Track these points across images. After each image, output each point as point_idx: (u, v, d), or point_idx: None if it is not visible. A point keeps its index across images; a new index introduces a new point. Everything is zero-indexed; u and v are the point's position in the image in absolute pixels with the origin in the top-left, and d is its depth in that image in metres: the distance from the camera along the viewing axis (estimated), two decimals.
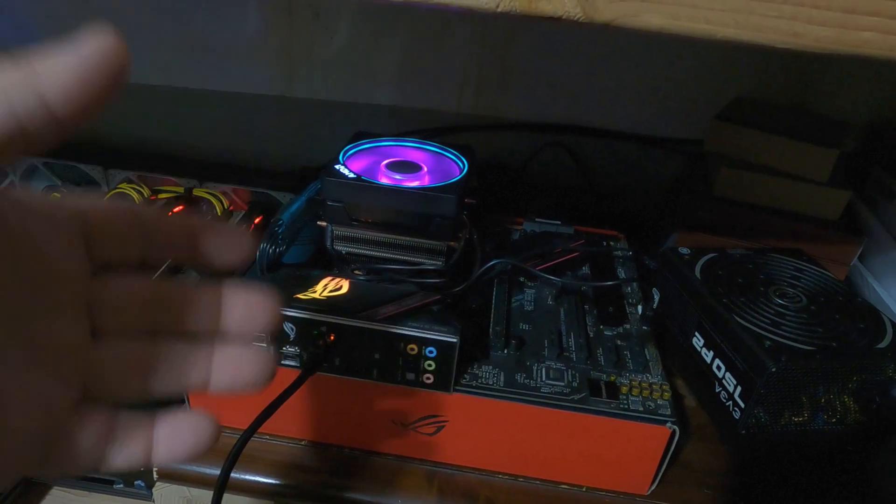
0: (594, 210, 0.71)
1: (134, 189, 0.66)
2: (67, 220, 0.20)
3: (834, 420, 0.43)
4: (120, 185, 0.67)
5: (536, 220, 0.57)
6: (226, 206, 0.66)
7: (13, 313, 0.18)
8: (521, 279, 0.51)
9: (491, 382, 0.40)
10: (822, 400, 0.42)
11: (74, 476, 0.51)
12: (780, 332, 0.42)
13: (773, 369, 0.39)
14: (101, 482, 0.54)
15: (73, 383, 0.20)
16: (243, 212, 0.67)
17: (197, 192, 0.67)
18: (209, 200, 0.66)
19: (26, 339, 0.18)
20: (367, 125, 0.51)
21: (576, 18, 0.23)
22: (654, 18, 0.22)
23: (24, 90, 0.16)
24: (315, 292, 0.40)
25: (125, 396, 0.21)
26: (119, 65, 0.17)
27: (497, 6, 0.23)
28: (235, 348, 0.22)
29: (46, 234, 0.19)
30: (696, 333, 0.47)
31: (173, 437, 0.21)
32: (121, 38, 0.17)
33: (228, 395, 0.22)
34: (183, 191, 0.67)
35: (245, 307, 0.22)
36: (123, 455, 0.20)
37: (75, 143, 0.77)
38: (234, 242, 0.23)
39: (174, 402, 0.26)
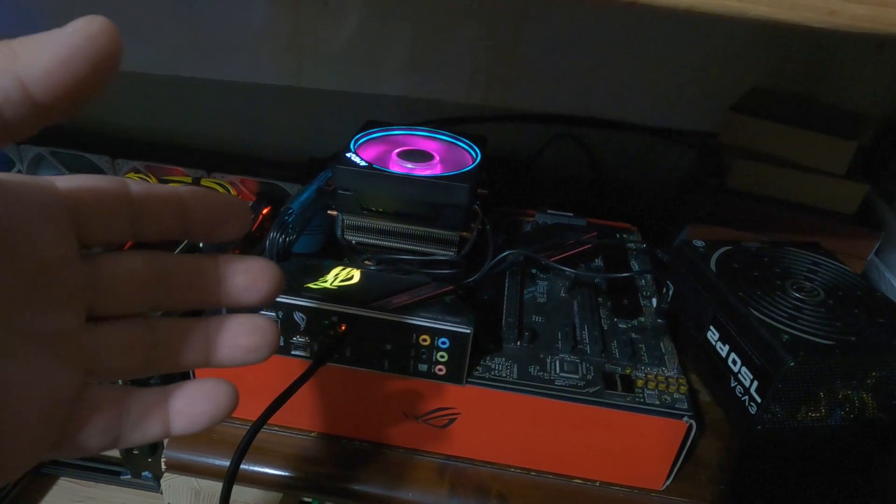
0: (605, 202, 0.70)
1: (141, 179, 0.66)
2: (55, 203, 0.19)
3: (852, 416, 0.42)
4: (127, 175, 0.67)
5: (548, 211, 0.57)
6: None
7: (9, 304, 0.17)
8: (534, 271, 0.50)
9: (504, 375, 0.39)
10: (840, 396, 0.41)
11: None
12: (798, 325, 0.41)
13: (792, 363, 0.38)
14: (107, 473, 0.53)
15: (75, 367, 0.19)
16: (251, 202, 0.66)
17: (205, 183, 0.66)
18: (217, 191, 0.65)
19: (24, 329, 0.18)
20: (376, 116, 0.51)
21: None
22: None
23: (1, 73, 0.15)
24: (326, 282, 0.39)
25: (127, 376, 0.21)
26: (108, 49, 0.16)
27: None
28: (236, 319, 0.22)
29: (35, 221, 0.18)
30: (711, 327, 0.46)
31: (189, 406, 0.21)
32: (111, 23, 0.16)
33: (233, 367, 0.22)
34: (191, 181, 0.67)
35: (245, 277, 0.22)
36: (139, 430, 0.20)
37: (83, 133, 0.77)
38: (230, 213, 0.22)
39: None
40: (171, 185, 0.21)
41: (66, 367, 0.19)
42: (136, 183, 0.21)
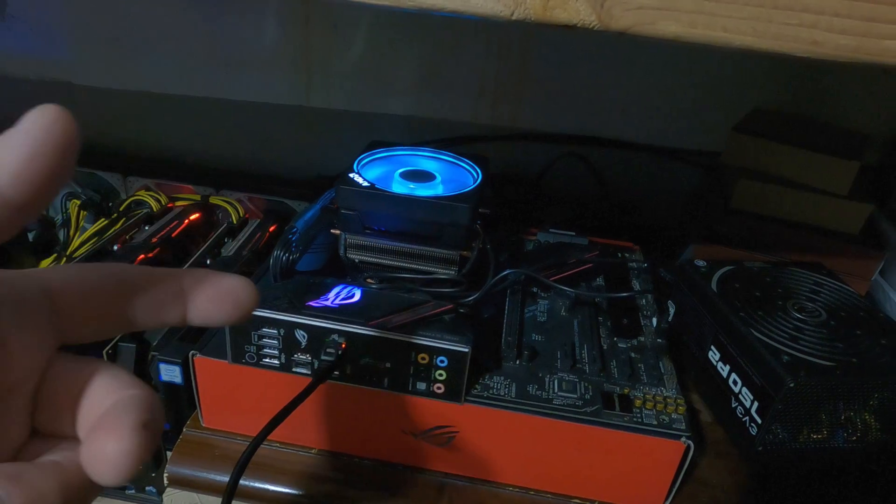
0: (609, 221, 0.71)
1: (151, 197, 0.67)
2: (34, 304, 0.17)
3: (855, 438, 0.42)
4: (138, 193, 0.68)
5: (550, 230, 0.57)
6: (241, 214, 0.67)
7: None
8: (535, 290, 0.50)
9: (503, 393, 0.40)
10: (843, 417, 0.41)
11: None
12: (799, 346, 0.41)
13: (792, 385, 0.38)
14: (112, 487, 0.54)
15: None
16: (258, 220, 0.67)
17: (213, 200, 0.67)
18: (225, 208, 0.66)
19: None
20: (383, 135, 0.52)
21: (591, 26, 0.23)
22: (670, 26, 0.22)
23: None
24: (327, 300, 0.40)
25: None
26: (66, 135, 0.16)
27: (511, 14, 0.23)
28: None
29: (9, 324, 0.17)
30: (712, 347, 0.46)
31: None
32: (61, 108, 0.16)
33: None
34: (200, 198, 0.68)
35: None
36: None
37: (95, 151, 0.79)
38: (236, 297, 0.20)
39: None
40: (172, 270, 0.20)
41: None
42: (134, 272, 0.20)
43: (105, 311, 0.19)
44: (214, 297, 0.20)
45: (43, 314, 0.18)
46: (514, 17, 0.23)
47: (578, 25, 0.23)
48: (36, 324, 0.17)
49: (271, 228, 0.65)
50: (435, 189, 0.44)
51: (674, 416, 0.39)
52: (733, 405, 0.43)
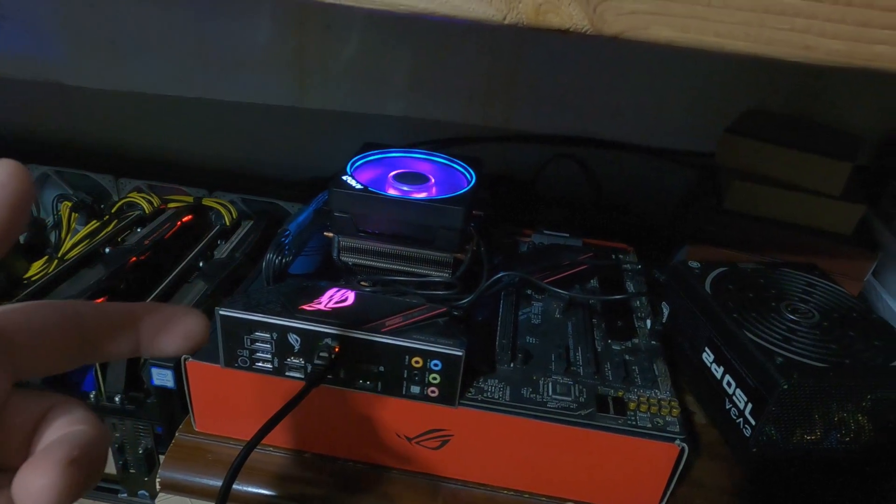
0: (603, 222, 0.71)
1: (144, 198, 0.67)
2: None
3: (848, 439, 0.42)
4: (130, 195, 0.68)
5: (545, 232, 0.57)
6: (234, 216, 0.66)
7: None
8: (529, 292, 0.50)
9: (497, 397, 0.40)
10: (836, 418, 0.41)
11: None
12: (792, 348, 0.41)
13: (785, 386, 0.38)
14: (104, 491, 0.53)
15: None
16: (252, 222, 0.67)
17: (206, 202, 0.67)
18: (218, 210, 0.66)
19: None
20: (377, 136, 0.51)
21: (584, 31, 0.22)
22: (663, 31, 0.22)
23: None
24: (320, 303, 0.40)
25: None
26: (21, 190, 0.16)
27: (504, 18, 0.23)
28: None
29: None
30: (706, 349, 0.46)
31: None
32: (17, 164, 0.16)
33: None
34: (192, 200, 0.68)
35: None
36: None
37: (86, 152, 0.78)
38: (186, 329, 0.21)
39: None
40: (123, 305, 0.21)
41: None
42: (86, 308, 0.20)
43: (58, 348, 0.19)
44: (166, 330, 0.21)
45: None
46: (506, 22, 0.23)
47: (571, 30, 0.22)
48: None
49: (264, 231, 0.65)
50: (429, 191, 0.44)
51: (668, 418, 0.39)
52: (727, 407, 0.43)
